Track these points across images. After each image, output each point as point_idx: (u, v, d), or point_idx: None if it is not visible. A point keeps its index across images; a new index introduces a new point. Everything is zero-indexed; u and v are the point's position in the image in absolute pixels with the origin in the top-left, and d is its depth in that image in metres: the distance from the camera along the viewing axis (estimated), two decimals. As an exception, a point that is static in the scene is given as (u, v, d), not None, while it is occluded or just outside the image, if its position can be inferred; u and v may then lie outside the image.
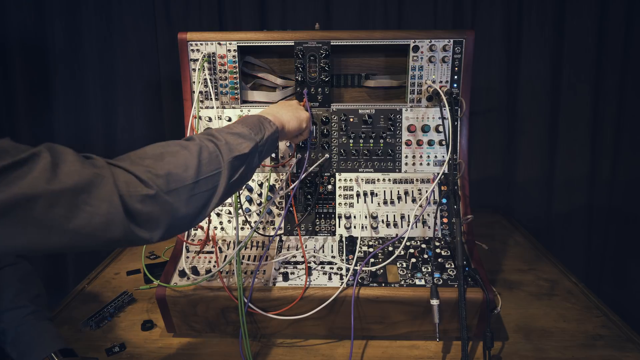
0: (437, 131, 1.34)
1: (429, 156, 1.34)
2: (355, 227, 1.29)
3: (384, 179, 1.34)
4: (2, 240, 0.62)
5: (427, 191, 1.31)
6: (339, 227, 1.29)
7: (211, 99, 1.34)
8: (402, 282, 1.13)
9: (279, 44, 1.31)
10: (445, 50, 1.29)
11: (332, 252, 1.23)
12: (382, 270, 1.16)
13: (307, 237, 1.29)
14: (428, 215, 1.29)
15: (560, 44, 1.97)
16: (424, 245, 1.21)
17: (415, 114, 1.34)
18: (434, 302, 1.07)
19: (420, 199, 1.30)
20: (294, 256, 1.21)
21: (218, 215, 1.32)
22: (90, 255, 1.93)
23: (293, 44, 1.30)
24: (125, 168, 0.72)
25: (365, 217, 1.29)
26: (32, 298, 1.09)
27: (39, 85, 1.98)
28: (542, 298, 1.37)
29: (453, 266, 1.16)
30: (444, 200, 1.29)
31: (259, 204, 1.32)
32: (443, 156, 1.34)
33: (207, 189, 0.81)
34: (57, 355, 1.02)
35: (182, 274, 1.17)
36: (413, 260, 1.16)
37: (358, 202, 1.31)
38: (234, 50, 1.32)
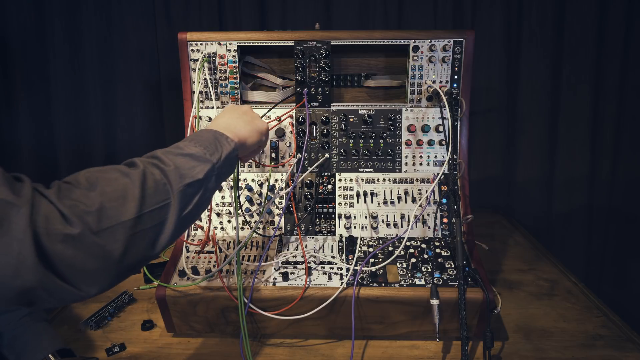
0: (437, 131, 1.34)
1: (429, 156, 1.34)
2: (355, 227, 1.29)
3: (384, 179, 1.34)
4: None
5: (427, 191, 1.31)
6: (339, 227, 1.29)
7: (211, 99, 1.34)
8: (402, 282, 1.13)
9: (279, 44, 1.31)
10: (445, 50, 1.29)
11: (332, 252, 1.23)
12: (382, 270, 1.16)
13: (307, 237, 1.29)
14: (428, 215, 1.29)
15: (560, 44, 1.97)
16: (424, 245, 1.21)
17: (415, 114, 1.34)
18: (434, 302, 1.07)
19: (420, 199, 1.30)
20: (294, 256, 1.21)
21: (218, 215, 1.32)
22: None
23: (293, 44, 1.30)
24: (49, 199, 0.59)
25: (365, 217, 1.29)
26: None
27: (39, 85, 1.98)
28: (542, 298, 1.37)
29: (453, 266, 1.16)
30: (444, 200, 1.29)
31: (259, 204, 1.32)
32: (443, 156, 1.34)
33: (152, 224, 0.68)
34: (55, 356, 1.02)
35: (182, 274, 1.17)
36: (413, 260, 1.16)
37: (358, 202, 1.31)
38: (234, 50, 1.32)
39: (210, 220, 1.28)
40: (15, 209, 0.56)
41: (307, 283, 1.14)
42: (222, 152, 0.83)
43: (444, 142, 1.33)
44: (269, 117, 1.34)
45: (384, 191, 1.32)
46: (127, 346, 1.17)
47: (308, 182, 1.33)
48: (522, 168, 2.10)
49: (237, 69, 1.33)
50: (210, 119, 1.34)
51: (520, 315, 1.28)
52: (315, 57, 1.30)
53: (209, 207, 1.29)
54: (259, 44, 1.31)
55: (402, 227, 1.28)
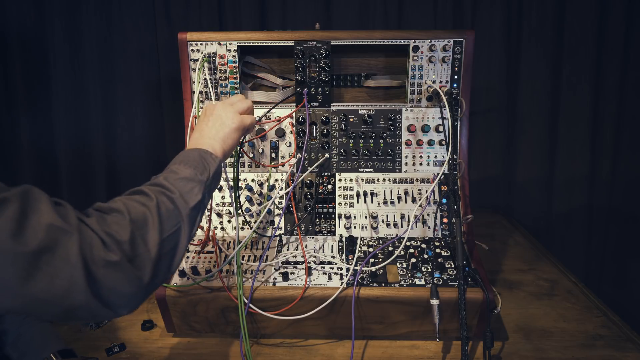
0: (437, 131, 1.34)
1: (429, 156, 1.34)
2: (355, 227, 1.29)
3: (384, 179, 1.34)
4: None
5: (427, 191, 1.31)
6: (339, 227, 1.29)
7: (211, 99, 1.34)
8: (402, 282, 1.13)
9: (279, 44, 1.31)
10: (445, 50, 1.29)
11: (332, 252, 1.23)
12: (382, 270, 1.16)
13: (307, 237, 1.29)
14: (428, 215, 1.29)
15: (560, 44, 1.97)
16: (424, 245, 1.21)
17: (415, 114, 1.34)
18: (434, 302, 1.07)
19: (420, 199, 1.30)
20: (294, 256, 1.21)
21: (218, 215, 1.32)
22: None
23: (293, 44, 1.30)
24: (91, 227, 0.66)
25: (365, 217, 1.29)
26: None
27: (39, 85, 1.98)
28: (542, 298, 1.37)
29: (453, 266, 1.16)
30: (444, 200, 1.29)
31: (259, 204, 1.32)
32: (443, 156, 1.34)
33: (169, 248, 0.75)
34: (57, 356, 1.02)
35: (182, 274, 1.17)
36: (413, 260, 1.16)
37: (358, 202, 1.31)
38: (234, 50, 1.32)
39: (210, 220, 1.28)
40: (68, 235, 0.61)
41: (307, 283, 1.14)
42: (210, 170, 0.89)
43: (444, 142, 1.33)
44: (268, 117, 1.34)
45: (384, 191, 1.32)
46: (127, 346, 1.17)
47: (308, 182, 1.33)
48: (522, 168, 2.10)
49: (237, 69, 1.33)
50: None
51: (520, 315, 1.28)
52: (315, 57, 1.30)
53: (209, 207, 1.29)
54: (259, 44, 1.31)
55: (402, 227, 1.28)
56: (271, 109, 1.33)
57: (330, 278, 1.15)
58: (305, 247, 1.24)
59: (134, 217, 0.71)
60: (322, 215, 1.31)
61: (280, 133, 1.34)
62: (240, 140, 1.07)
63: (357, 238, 1.25)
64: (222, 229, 1.31)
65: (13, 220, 0.57)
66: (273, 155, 1.35)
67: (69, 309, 0.62)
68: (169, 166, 0.88)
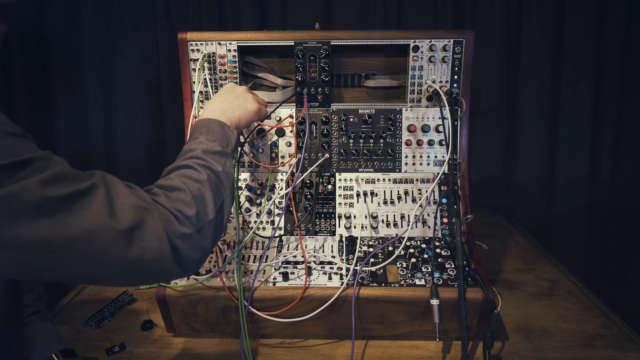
0: (437, 131, 1.34)
1: (429, 156, 1.34)
2: (355, 227, 1.29)
3: (384, 179, 1.34)
4: (50, 269, 0.63)
5: (427, 191, 1.31)
6: (339, 227, 1.29)
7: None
8: (402, 282, 1.13)
9: (279, 44, 1.31)
10: (445, 50, 1.29)
11: (332, 252, 1.23)
12: (382, 270, 1.16)
13: (307, 237, 1.29)
14: (428, 215, 1.29)
15: (560, 44, 1.97)
16: (424, 245, 1.21)
17: (415, 114, 1.34)
18: (434, 302, 1.07)
19: (420, 199, 1.30)
20: (294, 256, 1.21)
21: (218, 215, 1.32)
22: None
23: (293, 44, 1.30)
24: (163, 204, 0.74)
25: (365, 217, 1.29)
26: (36, 298, 1.09)
27: (39, 85, 1.98)
28: (542, 298, 1.37)
29: (453, 266, 1.16)
30: (444, 200, 1.29)
31: (259, 204, 1.32)
32: (443, 156, 1.34)
33: (220, 218, 0.83)
34: (58, 356, 1.02)
35: (182, 274, 1.16)
36: (413, 260, 1.16)
37: (358, 202, 1.31)
38: (234, 50, 1.32)
39: (210, 220, 1.28)
40: (149, 213, 0.70)
41: (307, 283, 1.14)
42: (232, 144, 0.95)
43: (444, 142, 1.33)
44: (268, 117, 1.34)
45: (384, 191, 1.32)
46: (127, 346, 1.17)
47: (308, 182, 1.33)
48: (522, 168, 2.10)
49: (237, 69, 1.33)
50: (210, 119, 1.34)
51: (520, 315, 1.28)
52: (315, 57, 1.30)
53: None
54: (259, 44, 1.31)
55: (402, 227, 1.28)
56: (275, 109, 1.33)
57: (330, 278, 1.15)
58: (305, 247, 1.24)
59: (194, 194, 0.78)
60: (322, 215, 1.31)
61: (280, 133, 1.34)
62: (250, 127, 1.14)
63: (357, 238, 1.25)
64: (222, 229, 1.31)
65: (106, 203, 0.65)
66: (273, 155, 1.35)
67: (156, 275, 0.72)
68: (195, 136, 0.92)
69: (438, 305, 1.07)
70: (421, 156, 1.34)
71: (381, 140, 1.35)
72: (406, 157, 1.35)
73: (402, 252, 1.20)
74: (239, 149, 1.29)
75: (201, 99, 1.34)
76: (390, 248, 1.20)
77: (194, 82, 1.32)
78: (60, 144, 2.03)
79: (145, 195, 0.73)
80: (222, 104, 1.04)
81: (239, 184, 1.33)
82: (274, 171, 1.35)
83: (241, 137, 1.27)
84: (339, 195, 1.32)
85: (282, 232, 1.30)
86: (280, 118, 1.34)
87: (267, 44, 1.31)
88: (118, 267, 0.67)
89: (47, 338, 1.05)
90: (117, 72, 2.03)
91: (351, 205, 1.31)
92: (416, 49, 1.30)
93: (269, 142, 1.34)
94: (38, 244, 0.59)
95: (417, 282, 1.13)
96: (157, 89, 2.08)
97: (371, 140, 1.35)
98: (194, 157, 0.87)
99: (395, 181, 1.33)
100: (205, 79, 1.32)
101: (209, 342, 1.19)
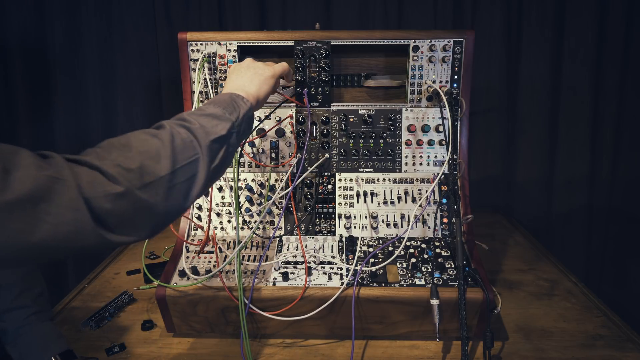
0: (437, 131, 1.34)
1: (429, 156, 1.34)
2: (355, 227, 1.29)
3: (384, 179, 1.34)
4: None
5: (427, 191, 1.31)
6: (339, 227, 1.29)
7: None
8: (402, 282, 1.13)
9: (279, 44, 1.31)
10: (445, 50, 1.29)
11: (332, 252, 1.23)
12: (382, 270, 1.16)
13: (307, 237, 1.29)
14: (428, 215, 1.29)
15: (560, 44, 1.97)
16: (424, 245, 1.21)
17: (415, 114, 1.34)
18: (434, 302, 1.07)
19: (420, 199, 1.30)
20: (294, 256, 1.21)
21: (218, 215, 1.32)
22: (91, 255, 1.92)
23: (293, 44, 1.30)
24: (89, 164, 0.65)
25: (365, 217, 1.29)
26: (35, 297, 1.09)
27: (39, 85, 1.98)
28: (542, 298, 1.37)
29: (453, 266, 1.16)
30: (444, 200, 1.29)
31: (259, 204, 1.32)
32: (443, 156, 1.34)
33: (185, 178, 0.75)
34: (57, 359, 1.02)
35: (182, 274, 1.17)
36: (413, 260, 1.16)
37: (358, 202, 1.31)
38: (234, 50, 1.32)
39: (210, 220, 1.28)
40: (60, 182, 0.60)
41: (307, 283, 1.14)
42: (240, 112, 0.89)
43: (444, 142, 1.33)
44: (268, 117, 1.34)
45: (384, 191, 1.32)
46: (127, 346, 1.17)
47: (308, 182, 1.33)
48: (522, 168, 2.10)
49: (237, 69, 1.33)
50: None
51: (520, 315, 1.28)
52: (315, 57, 1.30)
53: (209, 207, 1.29)
54: (259, 44, 1.31)
55: (402, 227, 1.28)
56: (275, 108, 1.33)
57: (330, 278, 1.15)
58: (305, 247, 1.24)
59: (143, 148, 0.71)
60: (322, 215, 1.31)
61: (280, 133, 1.34)
62: (275, 90, 1.09)
63: (357, 238, 1.25)
64: (222, 229, 1.31)
65: None
66: (273, 155, 1.35)
67: (83, 248, 0.63)
68: (198, 106, 0.88)
69: (438, 305, 1.07)
70: (421, 156, 1.34)
71: (381, 140, 1.35)
72: (406, 157, 1.35)
73: (402, 252, 1.20)
74: (240, 149, 1.29)
75: (201, 99, 1.34)
76: (390, 248, 1.20)
77: (194, 82, 1.32)
78: (60, 144, 2.03)
79: (59, 162, 0.63)
80: (236, 81, 1.00)
81: (239, 184, 1.33)
82: (274, 171, 1.35)
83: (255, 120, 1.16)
84: (339, 195, 1.32)
85: (282, 232, 1.30)
86: (280, 118, 1.34)
87: (267, 44, 1.31)
88: (27, 249, 0.58)
89: (45, 340, 1.04)
90: (117, 72, 2.04)
91: (351, 205, 1.31)
92: (416, 49, 1.30)
93: (269, 142, 1.34)
94: None
95: (417, 282, 1.13)
96: (157, 89, 2.08)
97: (371, 140, 1.35)
98: (175, 117, 0.82)
99: (395, 181, 1.33)
100: (205, 79, 1.32)
101: (209, 342, 1.19)
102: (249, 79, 1.00)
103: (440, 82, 1.32)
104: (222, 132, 0.83)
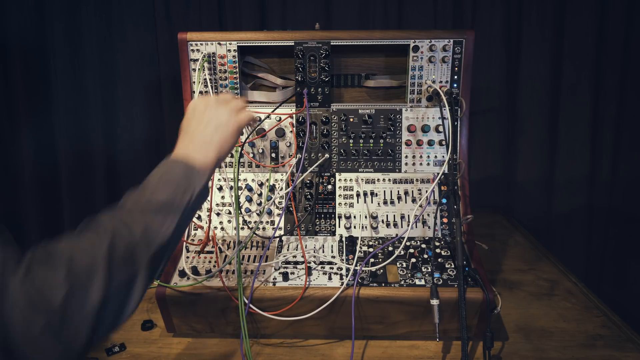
0: (437, 131, 1.34)
1: (429, 156, 1.34)
2: (355, 227, 1.29)
3: (384, 179, 1.34)
4: None
5: (427, 191, 1.31)
6: (339, 227, 1.29)
7: (211, 99, 1.33)
8: (402, 282, 1.13)
9: (279, 44, 1.31)
10: (445, 50, 1.29)
11: (332, 252, 1.23)
12: (382, 270, 1.16)
13: (307, 237, 1.29)
14: (428, 215, 1.29)
15: (560, 44, 1.97)
16: (424, 245, 1.21)
17: (415, 114, 1.34)
18: (434, 302, 1.07)
19: (420, 199, 1.30)
20: (294, 256, 1.21)
21: (218, 215, 1.32)
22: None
23: (293, 44, 1.30)
24: (17, 285, 0.56)
25: (365, 217, 1.29)
26: None
27: (39, 85, 1.98)
28: (542, 298, 1.37)
29: (453, 266, 1.16)
30: (444, 200, 1.29)
31: (259, 204, 1.32)
32: (443, 156, 1.34)
33: (117, 304, 0.63)
34: None
35: (182, 274, 1.17)
36: (413, 260, 1.16)
37: (358, 202, 1.31)
38: (234, 50, 1.32)
39: (210, 220, 1.28)
40: None
41: (307, 283, 1.14)
42: (194, 191, 0.76)
43: (444, 142, 1.33)
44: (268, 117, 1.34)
45: (384, 191, 1.32)
46: (127, 346, 1.17)
47: (308, 182, 1.33)
48: (522, 168, 2.10)
49: (237, 69, 1.33)
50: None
51: (520, 315, 1.28)
52: (315, 57, 1.30)
53: (209, 207, 1.29)
54: (259, 44, 1.31)
55: (402, 227, 1.28)
56: (275, 109, 1.33)
57: (330, 278, 1.15)
58: (305, 247, 1.24)
59: (75, 271, 0.60)
60: (322, 215, 1.31)
61: (280, 133, 1.34)
62: (239, 142, 0.96)
63: (357, 238, 1.25)
64: (222, 229, 1.31)
65: None
66: (273, 155, 1.35)
67: None
68: (147, 181, 0.76)
69: (438, 305, 1.07)
70: (421, 156, 1.34)
71: (381, 141, 1.35)
72: (406, 157, 1.35)
73: (402, 252, 1.20)
74: (240, 149, 1.29)
75: (201, 99, 1.34)
76: (390, 248, 1.20)
77: (194, 82, 1.32)
78: (60, 144, 2.03)
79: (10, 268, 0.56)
80: (196, 133, 0.85)
81: (239, 184, 1.33)
82: (274, 171, 1.35)
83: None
84: (339, 195, 1.32)
85: (282, 232, 1.30)
86: (280, 118, 1.34)
87: (267, 44, 1.31)
88: None
89: None
90: (117, 72, 2.03)
91: (351, 205, 1.31)
92: (416, 49, 1.30)
93: (269, 142, 1.34)
94: None
95: (417, 282, 1.13)
96: (157, 89, 2.08)
97: (371, 141, 1.35)
98: (117, 211, 0.70)
99: (395, 181, 1.33)
100: (205, 79, 1.32)
101: (209, 342, 1.19)
102: (209, 135, 0.84)
103: (440, 82, 1.32)
104: (169, 232, 0.71)
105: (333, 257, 1.21)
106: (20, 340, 0.54)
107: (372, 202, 1.31)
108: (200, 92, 1.33)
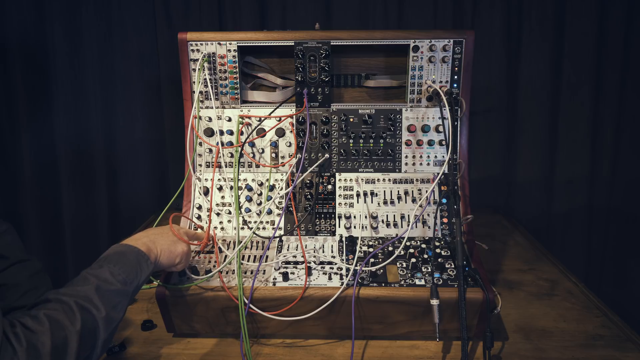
0: (437, 131, 1.34)
1: (429, 156, 1.34)
2: (355, 227, 1.29)
3: (384, 179, 1.34)
4: None
5: (427, 191, 1.31)
6: (339, 227, 1.29)
7: (211, 99, 1.34)
8: (402, 282, 1.13)
9: (279, 44, 1.31)
10: (445, 50, 1.29)
11: (332, 252, 1.23)
12: (382, 270, 1.16)
13: (307, 237, 1.29)
14: (428, 215, 1.29)
15: (560, 44, 1.97)
16: (424, 245, 1.21)
17: (415, 114, 1.34)
18: (434, 302, 1.07)
19: (420, 199, 1.30)
20: (294, 256, 1.21)
21: (218, 215, 1.32)
22: (91, 255, 1.93)
23: (293, 44, 1.30)
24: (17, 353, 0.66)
25: (365, 217, 1.29)
26: (40, 297, 1.09)
27: (39, 85, 1.98)
28: (542, 298, 1.37)
29: (453, 266, 1.16)
30: (444, 200, 1.29)
31: (259, 204, 1.32)
32: (443, 156, 1.34)
33: None
34: None
35: (182, 274, 1.16)
36: (413, 260, 1.16)
37: (358, 202, 1.31)
38: (234, 50, 1.32)
39: (210, 220, 1.28)
40: None
41: (307, 283, 1.14)
42: (140, 279, 0.91)
43: (444, 142, 1.33)
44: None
45: (384, 191, 1.32)
46: (127, 346, 1.17)
47: (308, 182, 1.33)
48: (522, 168, 2.10)
49: (237, 69, 1.33)
50: (210, 119, 1.34)
51: (520, 315, 1.28)
52: (315, 57, 1.30)
53: (209, 207, 1.29)
54: (259, 44, 1.31)
55: (402, 227, 1.28)
56: (275, 109, 1.33)
57: (330, 278, 1.15)
58: (305, 247, 1.24)
59: (54, 344, 0.71)
60: (322, 215, 1.31)
61: (280, 133, 1.34)
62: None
63: (357, 238, 1.25)
64: (222, 229, 1.31)
65: None
66: (273, 155, 1.35)
67: None
68: (101, 263, 0.88)
69: (438, 305, 1.07)
70: (421, 156, 1.34)
71: (381, 141, 1.35)
72: (406, 157, 1.35)
73: (402, 252, 1.20)
74: (240, 149, 1.29)
75: (201, 99, 1.34)
76: (390, 248, 1.20)
77: (194, 82, 1.33)
78: (60, 144, 2.04)
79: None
80: (150, 236, 1.02)
81: (239, 184, 1.33)
82: (274, 171, 1.35)
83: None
84: (339, 195, 1.32)
85: (282, 232, 1.30)
86: (280, 118, 1.34)
87: (267, 44, 1.31)
88: None
89: None
90: (117, 72, 2.04)
91: (351, 205, 1.31)
92: (416, 49, 1.30)
93: (269, 142, 1.34)
94: None
95: (417, 282, 1.13)
96: (157, 89, 2.08)
97: (371, 140, 1.35)
98: (81, 292, 0.80)
99: (395, 181, 1.33)
100: (205, 79, 1.32)
101: (209, 342, 1.19)
102: (163, 241, 1.03)
103: (440, 82, 1.32)
104: (121, 315, 0.85)
105: (333, 257, 1.21)
106: None
107: (372, 202, 1.31)
108: (200, 92, 1.33)
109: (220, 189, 1.34)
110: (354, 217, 1.30)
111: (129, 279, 0.88)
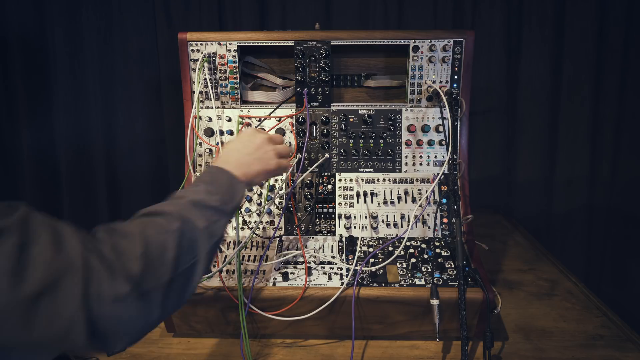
0: (437, 131, 1.34)
1: (429, 156, 1.34)
2: (355, 227, 1.29)
3: (384, 179, 1.34)
4: None
5: (427, 191, 1.31)
6: (339, 227, 1.29)
7: (211, 99, 1.34)
8: (402, 282, 1.13)
9: (279, 44, 1.31)
10: (445, 50, 1.29)
11: (332, 252, 1.23)
12: (382, 270, 1.16)
13: (307, 237, 1.29)
14: (428, 215, 1.29)
15: (560, 44, 1.97)
16: (424, 245, 1.21)
17: (415, 114, 1.34)
18: (434, 302, 1.07)
19: (420, 199, 1.30)
20: (294, 256, 1.21)
21: (218, 215, 1.32)
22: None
23: (293, 44, 1.30)
24: (99, 257, 0.59)
25: (365, 217, 1.29)
26: None
27: (39, 85, 1.98)
28: (542, 298, 1.37)
29: (453, 266, 1.16)
30: (444, 200, 1.29)
31: (259, 204, 1.32)
32: (443, 156, 1.34)
33: (181, 283, 0.68)
34: None
35: (182, 274, 1.16)
36: (413, 260, 1.16)
37: (358, 202, 1.31)
38: (234, 50, 1.32)
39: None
40: (70, 274, 0.55)
41: (307, 283, 1.14)
42: (235, 202, 0.86)
43: (444, 142, 1.33)
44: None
45: (384, 191, 1.32)
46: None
47: (308, 182, 1.33)
48: (522, 168, 2.10)
49: (237, 69, 1.33)
50: (210, 119, 1.34)
51: (520, 315, 1.28)
52: (315, 57, 1.30)
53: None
54: (259, 44, 1.31)
55: (402, 227, 1.28)
56: (275, 109, 1.33)
57: (330, 278, 1.15)
58: (305, 247, 1.24)
59: (149, 248, 0.64)
60: (322, 215, 1.31)
61: (280, 133, 1.34)
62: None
63: (357, 238, 1.25)
64: (222, 229, 1.31)
65: (12, 257, 0.51)
66: (273, 155, 1.34)
67: (68, 349, 0.57)
68: (197, 183, 0.83)
69: (438, 305, 1.07)
70: (421, 156, 1.34)
71: (381, 141, 1.35)
72: (406, 157, 1.35)
73: (402, 252, 1.20)
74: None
75: (201, 99, 1.34)
76: (390, 248, 1.20)
77: (194, 82, 1.33)
78: (60, 144, 2.03)
79: (75, 247, 0.58)
80: (241, 154, 0.95)
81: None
82: (274, 171, 1.34)
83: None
84: (339, 195, 1.32)
85: (282, 232, 1.30)
86: (280, 118, 1.34)
87: (267, 44, 1.31)
88: (15, 343, 0.53)
89: None
90: (117, 72, 2.03)
91: (351, 205, 1.31)
92: (416, 49, 1.30)
93: (269, 142, 1.34)
94: None
95: (417, 282, 1.13)
96: (157, 89, 2.08)
97: (371, 141, 1.35)
98: (178, 204, 0.75)
99: (395, 181, 1.33)
100: (205, 79, 1.32)
101: (209, 342, 1.19)
102: (249, 162, 0.94)
103: (440, 82, 1.32)
104: (221, 232, 0.79)
105: (333, 257, 1.21)
106: (106, 309, 0.56)
107: (372, 202, 1.31)
108: (200, 92, 1.33)
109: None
110: (354, 217, 1.30)
111: (224, 200, 0.82)
